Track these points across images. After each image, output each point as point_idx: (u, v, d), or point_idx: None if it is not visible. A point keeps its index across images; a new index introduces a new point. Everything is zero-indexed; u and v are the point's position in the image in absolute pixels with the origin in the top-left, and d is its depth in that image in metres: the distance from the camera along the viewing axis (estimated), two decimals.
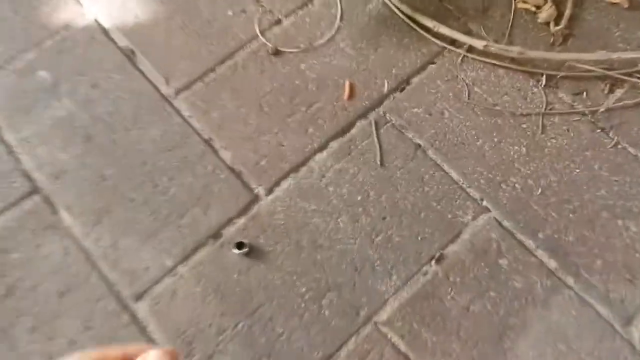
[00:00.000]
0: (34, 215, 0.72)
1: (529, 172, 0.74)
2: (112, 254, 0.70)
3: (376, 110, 0.80)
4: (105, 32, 0.86)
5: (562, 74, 0.80)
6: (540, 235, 0.70)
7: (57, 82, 0.81)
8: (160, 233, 0.71)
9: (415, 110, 0.79)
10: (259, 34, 0.85)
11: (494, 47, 0.80)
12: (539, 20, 0.85)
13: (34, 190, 0.74)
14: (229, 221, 0.72)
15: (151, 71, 0.83)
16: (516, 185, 0.73)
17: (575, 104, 0.78)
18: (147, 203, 0.73)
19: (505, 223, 0.71)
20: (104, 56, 0.84)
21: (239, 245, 0.69)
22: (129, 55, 0.84)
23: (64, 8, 0.87)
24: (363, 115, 0.79)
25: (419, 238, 0.70)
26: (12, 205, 0.73)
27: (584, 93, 0.79)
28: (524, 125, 0.77)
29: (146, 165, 0.76)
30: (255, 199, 0.74)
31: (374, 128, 0.78)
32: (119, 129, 0.78)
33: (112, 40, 0.85)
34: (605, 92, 0.79)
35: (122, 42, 0.85)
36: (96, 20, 0.87)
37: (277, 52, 0.83)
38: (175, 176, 0.75)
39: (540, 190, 0.73)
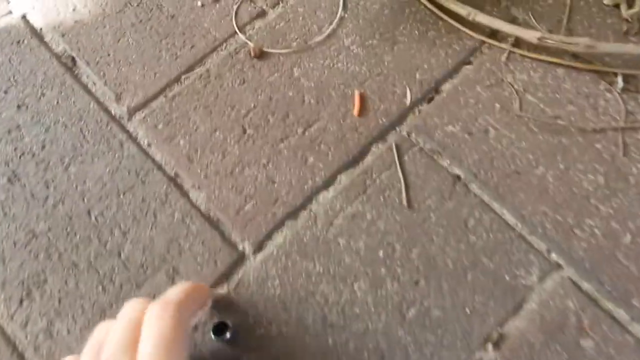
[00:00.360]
0: None
1: (611, 210, 0.55)
2: (46, 343, 0.52)
3: (397, 129, 0.61)
4: (36, 33, 0.69)
5: None
6: (636, 302, 0.51)
7: None
8: (111, 310, 0.53)
9: (450, 128, 0.60)
10: (237, 30, 0.68)
11: (552, 40, 0.61)
12: (606, 2, 0.66)
13: None
14: None
15: (97, 84, 0.65)
16: (595, 230, 0.54)
17: None
18: (94, 268, 0.55)
19: (585, 285, 0.52)
20: (34, 66, 0.66)
21: (219, 328, 0.51)
22: (68, 64, 0.67)
23: None
24: (380, 137, 0.61)
25: (467, 310, 0.52)
26: None
27: None
28: (599, 145, 0.58)
29: (91, 214, 0.58)
30: (240, 258, 0.55)
31: (395, 154, 0.59)
32: (54, 165, 0.61)
33: (46, 44, 0.68)
34: None
35: (59, 46, 0.68)
36: (25, 18, 0.70)
37: (261, 54, 0.66)
38: (130, 229, 0.57)
39: (629, 237, 0.54)
